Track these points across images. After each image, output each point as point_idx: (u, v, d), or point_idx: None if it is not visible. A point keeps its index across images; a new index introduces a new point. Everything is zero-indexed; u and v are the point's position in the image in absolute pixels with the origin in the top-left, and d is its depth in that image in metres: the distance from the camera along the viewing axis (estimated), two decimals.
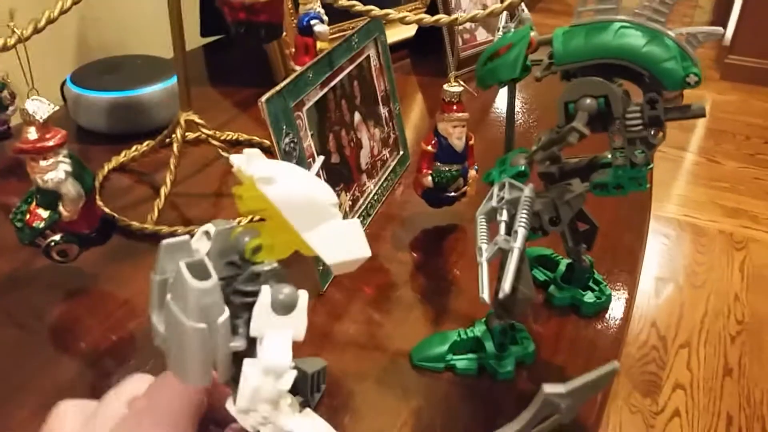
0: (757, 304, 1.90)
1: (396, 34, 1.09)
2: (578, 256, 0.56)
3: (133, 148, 0.77)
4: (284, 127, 0.53)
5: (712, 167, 2.54)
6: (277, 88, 0.52)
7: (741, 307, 1.90)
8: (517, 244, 0.41)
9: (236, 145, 0.82)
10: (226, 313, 0.29)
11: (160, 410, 0.32)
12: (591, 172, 0.48)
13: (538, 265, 0.61)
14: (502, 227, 0.43)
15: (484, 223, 0.45)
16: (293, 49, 0.82)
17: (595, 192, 0.47)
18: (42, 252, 0.56)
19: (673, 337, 1.81)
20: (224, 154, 0.68)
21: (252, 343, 0.30)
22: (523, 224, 0.42)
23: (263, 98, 0.50)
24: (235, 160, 0.31)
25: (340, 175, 0.63)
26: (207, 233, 0.33)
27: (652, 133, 0.45)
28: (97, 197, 0.69)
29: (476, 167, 0.67)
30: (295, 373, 0.29)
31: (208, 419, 0.34)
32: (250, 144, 0.82)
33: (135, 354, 0.53)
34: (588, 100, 0.41)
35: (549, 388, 0.30)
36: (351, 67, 0.65)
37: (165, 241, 0.31)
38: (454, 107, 0.62)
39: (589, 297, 0.56)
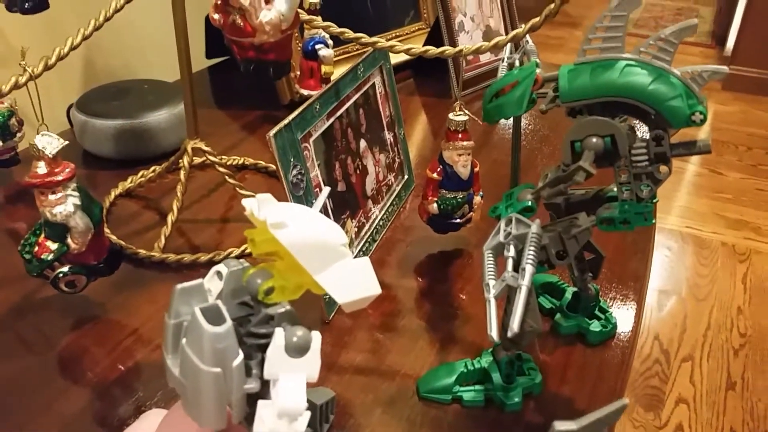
0: (760, 317, 1.90)
1: (400, 55, 1.09)
2: (584, 285, 0.56)
3: (140, 173, 0.77)
4: (292, 159, 0.53)
5: (714, 178, 2.54)
6: (285, 121, 0.52)
7: (744, 320, 1.90)
8: (525, 281, 0.41)
9: (242, 170, 0.82)
10: (241, 356, 0.30)
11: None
12: (597, 205, 0.49)
13: (543, 292, 0.61)
14: (510, 263, 0.44)
15: (492, 258, 0.45)
16: (298, 73, 0.83)
17: (602, 227, 0.47)
18: (50, 283, 0.56)
19: (675, 351, 1.81)
20: (230, 180, 0.68)
21: (266, 383, 0.30)
22: (530, 261, 0.42)
23: (271, 132, 0.51)
24: (248, 204, 0.32)
25: (346, 202, 0.64)
26: (219, 273, 0.34)
27: (658, 168, 0.45)
28: (105, 226, 0.69)
29: (481, 194, 0.67)
30: (309, 414, 0.30)
31: None
32: (256, 168, 0.82)
33: (143, 385, 0.53)
34: (594, 139, 0.42)
35: (560, 425, 0.30)
36: (357, 96, 0.66)
37: (179, 286, 0.31)
38: (460, 135, 0.62)
39: (595, 326, 0.56)
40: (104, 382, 0.53)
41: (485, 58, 1.08)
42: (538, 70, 0.46)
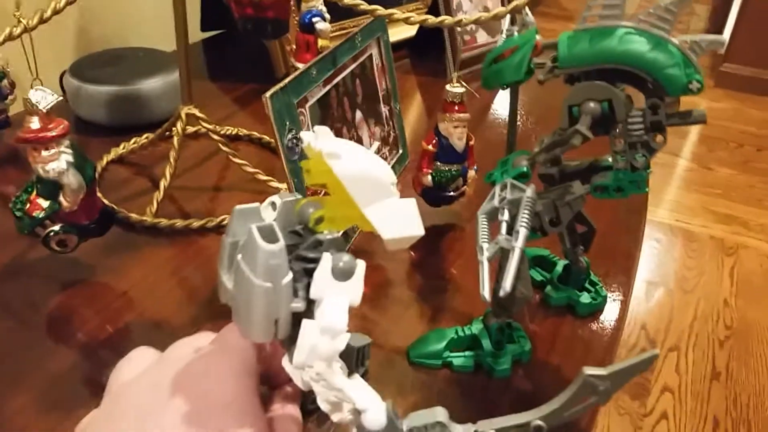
0: (746, 310, 1.92)
1: (397, 33, 1.09)
2: (575, 258, 0.56)
3: (133, 140, 0.77)
4: (287, 123, 0.53)
5: (704, 174, 2.56)
6: (282, 84, 0.52)
7: (730, 312, 1.92)
8: (519, 243, 0.42)
9: (236, 140, 0.82)
10: (290, 275, 0.31)
11: (230, 347, 0.35)
12: (591, 175, 0.49)
13: (535, 265, 0.61)
14: (503, 227, 0.44)
15: (486, 223, 0.45)
16: (294, 46, 0.83)
17: (595, 194, 0.47)
18: (41, 242, 0.56)
19: (662, 341, 1.82)
20: (224, 148, 0.68)
21: (310, 305, 0.32)
22: (524, 224, 0.43)
23: (267, 94, 0.50)
24: (305, 136, 0.33)
25: None
26: (273, 204, 0.35)
27: (654, 137, 0.45)
28: (97, 190, 0.69)
29: (476, 168, 0.67)
30: (349, 335, 0.31)
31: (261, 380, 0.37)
32: (250, 139, 0.82)
33: (132, 346, 0.52)
34: (592, 104, 0.42)
35: (590, 370, 0.31)
36: (354, 66, 0.66)
37: (237, 207, 0.34)
38: (456, 108, 0.62)
39: (585, 298, 0.57)
40: (93, 343, 0.53)
41: (482, 39, 1.08)
42: (537, 37, 0.46)
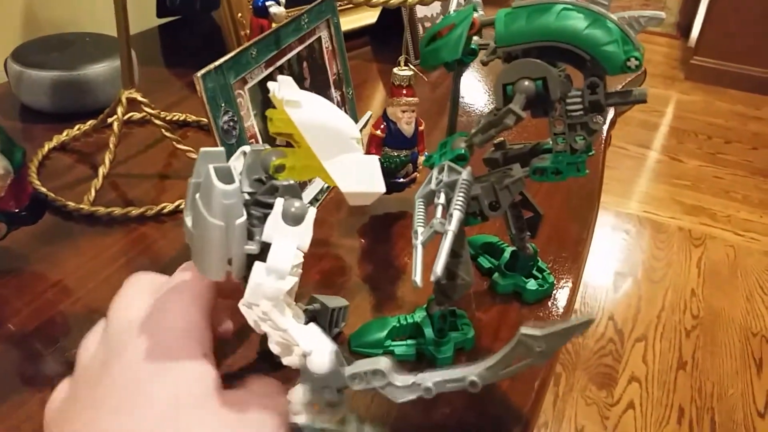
0: (713, 300, 1.94)
1: (357, 20, 1.08)
2: (522, 244, 0.55)
3: (76, 127, 0.74)
4: (222, 104, 0.51)
5: (674, 165, 2.58)
6: (216, 63, 0.50)
7: (697, 302, 1.94)
8: (452, 227, 0.40)
9: (183, 127, 0.80)
10: (244, 216, 0.32)
11: (183, 284, 0.36)
12: (533, 158, 0.48)
13: (483, 252, 0.60)
14: (439, 210, 0.43)
15: (423, 206, 0.44)
16: (248, 31, 0.80)
17: (534, 177, 0.46)
18: None
19: (630, 331, 1.83)
20: (167, 134, 0.66)
21: (264, 249, 0.33)
22: (458, 207, 0.41)
23: (199, 73, 0.48)
24: (271, 85, 0.34)
25: None
26: (244, 153, 0.36)
27: (593, 118, 0.44)
28: (34, 175, 0.66)
29: (426, 154, 0.66)
30: (296, 279, 0.33)
31: None
32: (199, 126, 0.80)
33: (64, 335, 0.51)
34: (526, 82, 0.40)
35: (526, 330, 0.31)
36: (300, 48, 0.64)
37: (203, 149, 0.34)
38: (404, 91, 0.61)
39: (531, 284, 0.56)
40: (21, 333, 0.51)
41: None
42: (475, 14, 0.45)
